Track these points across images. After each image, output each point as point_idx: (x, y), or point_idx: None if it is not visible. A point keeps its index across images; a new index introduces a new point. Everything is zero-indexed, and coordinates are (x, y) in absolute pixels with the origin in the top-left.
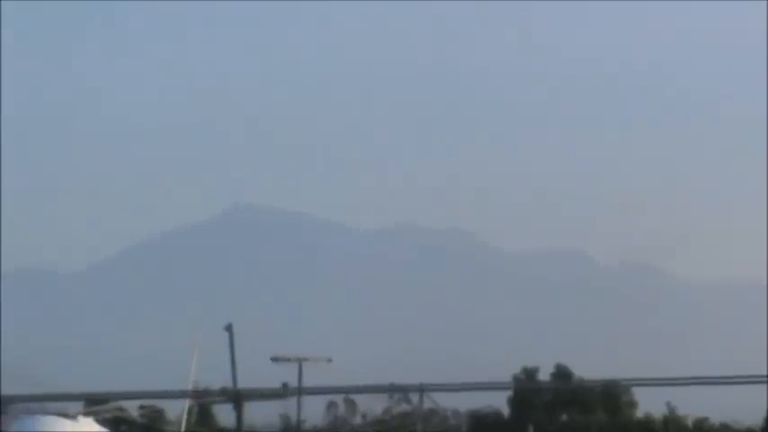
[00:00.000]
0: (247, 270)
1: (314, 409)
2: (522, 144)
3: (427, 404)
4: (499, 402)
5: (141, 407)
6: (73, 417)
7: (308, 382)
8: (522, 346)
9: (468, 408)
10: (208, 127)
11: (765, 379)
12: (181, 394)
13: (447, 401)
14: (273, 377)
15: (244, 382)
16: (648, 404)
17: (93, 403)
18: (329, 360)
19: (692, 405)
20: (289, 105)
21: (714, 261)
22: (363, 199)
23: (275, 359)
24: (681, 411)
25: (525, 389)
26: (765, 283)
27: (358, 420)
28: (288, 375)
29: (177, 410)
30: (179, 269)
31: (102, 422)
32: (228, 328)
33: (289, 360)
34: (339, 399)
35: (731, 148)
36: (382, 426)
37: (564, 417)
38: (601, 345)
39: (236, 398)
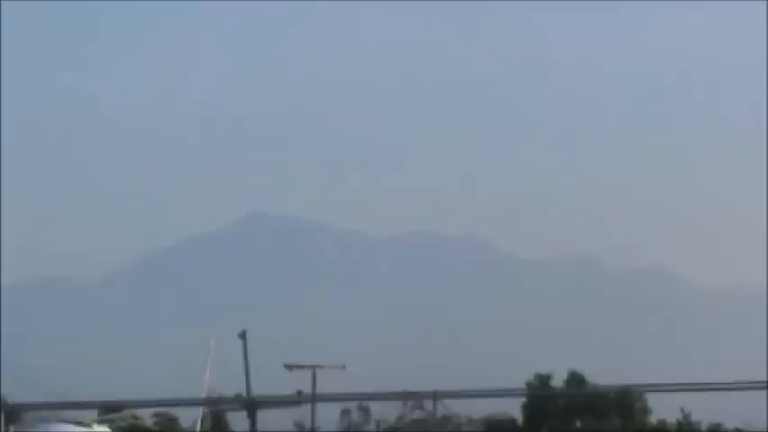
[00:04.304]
0: (262, 277)
1: (328, 417)
2: (535, 150)
3: (441, 411)
4: (513, 409)
5: (155, 414)
6: (87, 425)
7: (322, 389)
8: (535, 353)
9: (483, 414)
10: (223, 135)
11: None
12: (195, 402)
13: (461, 408)
14: (287, 384)
15: (258, 390)
16: (662, 410)
17: (107, 411)
18: (343, 367)
19: (705, 411)
20: (303, 113)
21: (728, 267)
22: (377, 206)
23: (289, 366)
24: (695, 417)
25: (539, 395)
26: None
27: (372, 427)
28: (302, 382)
29: (191, 418)
30: (194, 277)
31: (116, 430)
32: (243, 336)
33: (302, 367)
34: (353, 406)
35: (745, 152)
36: None
37: (578, 423)
38: (614, 351)
39: (251, 405)
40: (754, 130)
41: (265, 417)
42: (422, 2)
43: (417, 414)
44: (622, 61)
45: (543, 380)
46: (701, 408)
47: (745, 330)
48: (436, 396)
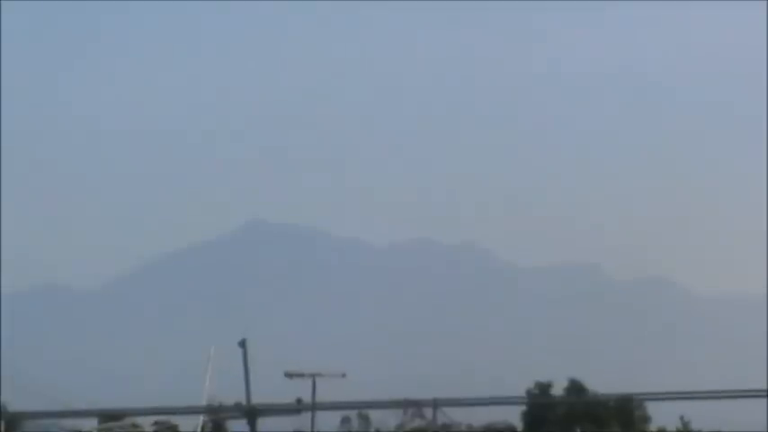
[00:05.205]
0: (262, 285)
1: (328, 424)
2: (536, 159)
3: (441, 419)
4: (513, 417)
5: (155, 423)
6: None
7: (322, 397)
8: (535, 361)
9: (483, 422)
10: (222, 143)
11: None
12: (195, 410)
13: (461, 416)
14: (287, 392)
15: (258, 398)
16: (662, 418)
17: (107, 419)
18: (343, 375)
19: (705, 419)
20: (303, 121)
21: (727, 275)
22: (378, 215)
23: (289, 374)
24: (694, 425)
25: (539, 403)
26: None
27: None
28: (302, 390)
29: (191, 426)
30: (194, 285)
31: None
32: (242, 344)
33: (303, 375)
34: (353, 414)
35: (745, 155)
36: None
37: (578, 431)
38: (614, 359)
39: (251, 413)
40: (755, 130)
41: (265, 425)
42: (422, 2)
43: (417, 422)
44: (622, 61)
45: (543, 388)
46: (701, 415)
47: (744, 338)
48: (436, 404)
